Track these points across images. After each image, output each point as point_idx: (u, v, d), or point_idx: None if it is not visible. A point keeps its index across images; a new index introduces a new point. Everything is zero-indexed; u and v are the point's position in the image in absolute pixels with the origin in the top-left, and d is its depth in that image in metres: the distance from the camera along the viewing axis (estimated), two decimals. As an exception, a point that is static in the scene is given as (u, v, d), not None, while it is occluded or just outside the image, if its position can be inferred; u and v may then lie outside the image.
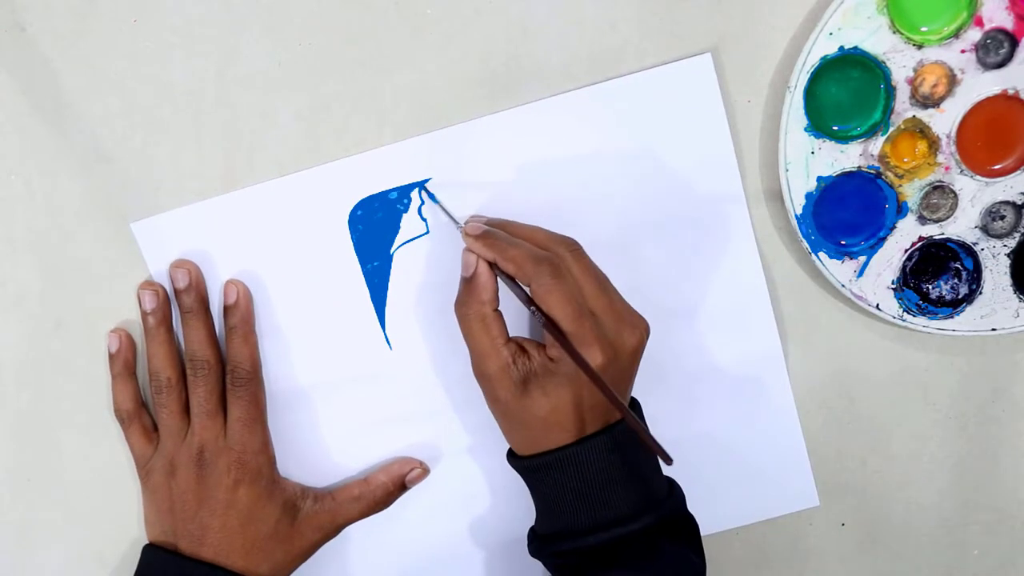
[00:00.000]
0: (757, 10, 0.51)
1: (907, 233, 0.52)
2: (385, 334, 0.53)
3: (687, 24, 0.51)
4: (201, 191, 0.51)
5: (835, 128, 0.51)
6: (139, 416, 0.51)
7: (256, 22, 0.50)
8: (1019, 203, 0.52)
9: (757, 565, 0.57)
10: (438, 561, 0.55)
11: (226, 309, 0.51)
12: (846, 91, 0.50)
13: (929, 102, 0.50)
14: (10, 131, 0.51)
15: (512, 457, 0.49)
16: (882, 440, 0.56)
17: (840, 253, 0.52)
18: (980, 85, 0.50)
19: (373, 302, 0.52)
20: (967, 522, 0.57)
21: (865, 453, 0.56)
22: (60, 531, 0.54)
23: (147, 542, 0.51)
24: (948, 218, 0.52)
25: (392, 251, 0.52)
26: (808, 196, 0.51)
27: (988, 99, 0.50)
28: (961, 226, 0.52)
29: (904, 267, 0.53)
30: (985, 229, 0.52)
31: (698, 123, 0.51)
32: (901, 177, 0.51)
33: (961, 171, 0.51)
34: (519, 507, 0.54)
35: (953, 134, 0.51)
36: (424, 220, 0.52)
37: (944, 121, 0.51)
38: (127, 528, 0.53)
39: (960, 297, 0.53)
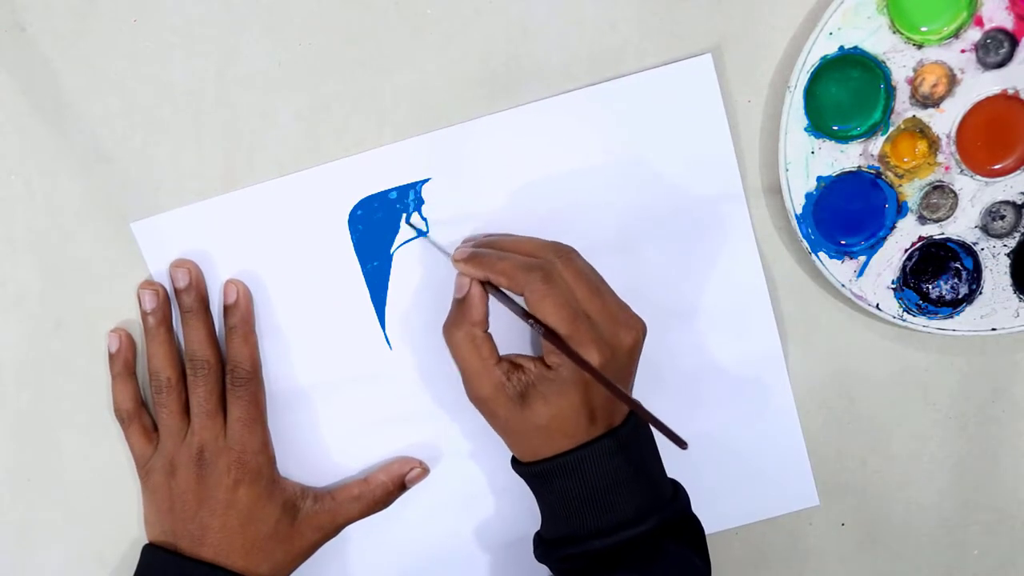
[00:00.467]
0: (757, 10, 0.51)
1: (907, 233, 0.52)
2: (385, 334, 0.53)
3: (687, 24, 0.51)
4: (201, 191, 0.51)
5: (835, 128, 0.51)
6: (139, 416, 0.51)
7: (256, 22, 0.50)
8: (1019, 203, 0.52)
9: (757, 565, 0.57)
10: (438, 561, 0.55)
11: (226, 309, 0.51)
12: (846, 91, 0.50)
13: (929, 102, 0.50)
14: (10, 131, 0.51)
15: (516, 464, 0.49)
16: (882, 440, 0.56)
17: (840, 253, 0.52)
18: (980, 85, 0.50)
19: (373, 302, 0.52)
20: (967, 522, 0.57)
21: (865, 453, 0.56)
22: (60, 531, 0.54)
23: (147, 542, 0.51)
24: (948, 218, 0.52)
25: (392, 251, 0.52)
26: (808, 196, 0.51)
27: (988, 99, 0.50)
28: (961, 226, 0.52)
29: (904, 267, 0.53)
30: (985, 229, 0.52)
31: (698, 123, 0.51)
32: (901, 177, 0.51)
33: (961, 171, 0.51)
34: (520, 507, 0.54)
35: (953, 134, 0.51)
36: (424, 220, 0.52)
37: (944, 121, 0.51)
38: (127, 528, 0.53)
39: (960, 297, 0.53)
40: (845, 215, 0.52)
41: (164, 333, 0.51)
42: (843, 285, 0.52)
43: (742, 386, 0.54)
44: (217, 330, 0.52)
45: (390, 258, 0.52)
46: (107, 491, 0.53)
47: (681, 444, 0.42)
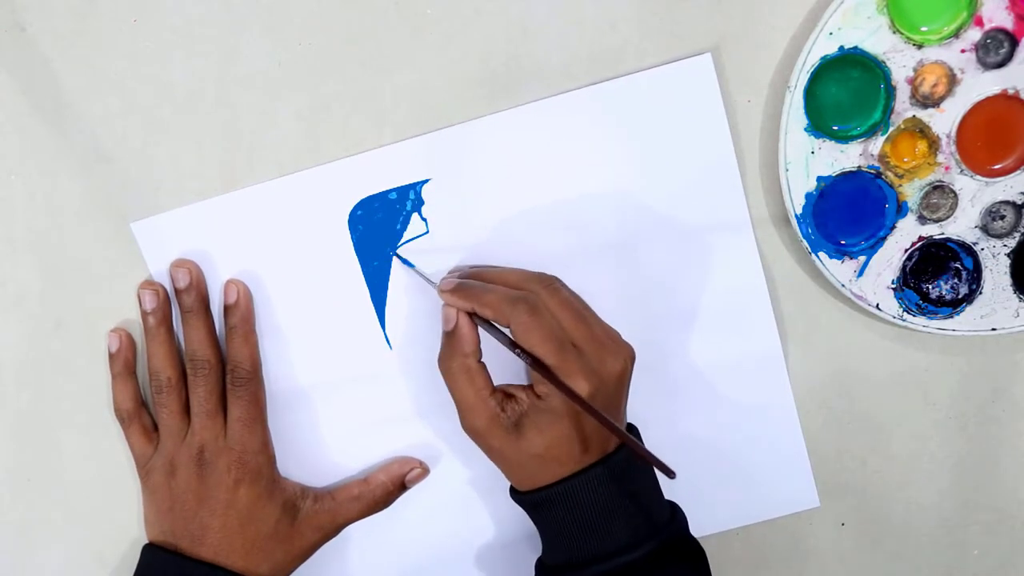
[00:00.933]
0: (757, 10, 0.51)
1: (907, 233, 0.52)
2: (385, 334, 0.53)
3: (687, 24, 0.51)
4: (201, 191, 0.51)
5: (835, 128, 0.51)
6: (139, 416, 0.51)
7: (256, 22, 0.50)
8: (1019, 203, 0.52)
9: (757, 565, 0.57)
10: (438, 561, 0.55)
11: (226, 309, 0.51)
12: (846, 91, 0.50)
13: (929, 102, 0.50)
14: (10, 131, 0.51)
15: (514, 493, 0.49)
16: (882, 440, 0.56)
17: (840, 253, 0.52)
18: (980, 85, 0.50)
19: (373, 302, 0.52)
20: (967, 522, 0.57)
21: (865, 453, 0.56)
22: (60, 531, 0.54)
23: (147, 542, 0.51)
24: (948, 218, 0.52)
25: (392, 251, 0.52)
26: (808, 196, 0.51)
27: (988, 99, 0.50)
28: (961, 226, 0.52)
29: (904, 267, 0.53)
30: (985, 229, 0.52)
31: (698, 123, 0.51)
32: (901, 177, 0.51)
33: (961, 171, 0.51)
34: (519, 508, 0.54)
35: (953, 134, 0.51)
36: (424, 220, 0.52)
37: (944, 121, 0.51)
38: (127, 528, 0.53)
39: (960, 297, 0.53)
40: (845, 215, 0.52)
41: (164, 333, 0.51)
42: (843, 285, 0.52)
43: (742, 386, 0.54)
44: (217, 330, 0.52)
45: (390, 258, 0.52)
46: (107, 491, 0.53)
47: (669, 474, 0.43)
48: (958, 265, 0.53)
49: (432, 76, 0.51)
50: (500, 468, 0.49)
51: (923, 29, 0.49)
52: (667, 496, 0.49)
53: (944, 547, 0.57)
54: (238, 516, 0.49)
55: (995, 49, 0.50)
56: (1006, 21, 0.49)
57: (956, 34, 0.49)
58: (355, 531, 0.53)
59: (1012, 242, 0.52)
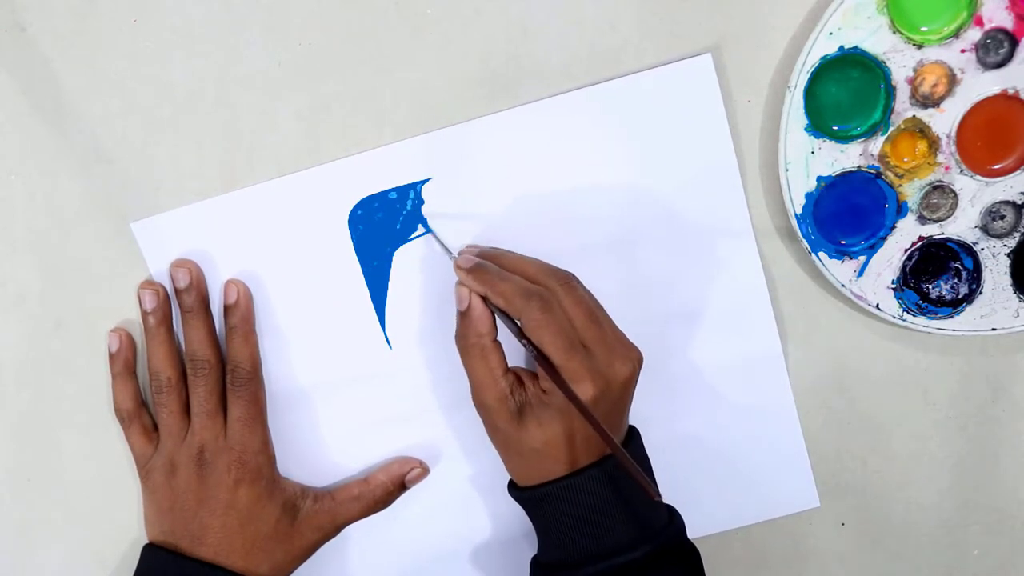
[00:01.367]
0: (757, 10, 0.51)
1: (907, 233, 0.52)
2: (385, 334, 0.53)
3: (687, 24, 0.51)
4: (201, 191, 0.51)
5: (835, 128, 0.51)
6: (139, 416, 0.51)
7: (256, 22, 0.50)
8: (1019, 203, 0.52)
9: (757, 566, 0.57)
10: (438, 561, 0.55)
11: (226, 309, 0.51)
12: (846, 91, 0.50)
13: (929, 102, 0.50)
14: (10, 131, 0.51)
15: (512, 488, 0.49)
16: (882, 440, 0.56)
17: (840, 253, 0.52)
18: (980, 85, 0.50)
19: (373, 302, 0.52)
20: (967, 522, 0.57)
21: (865, 453, 0.56)
22: (60, 531, 0.54)
23: (147, 542, 0.51)
24: (948, 218, 0.52)
25: (392, 251, 0.52)
26: (808, 196, 0.51)
27: (988, 99, 0.50)
28: (961, 226, 0.52)
29: (904, 267, 0.53)
30: (985, 229, 0.52)
31: (698, 123, 0.51)
32: (901, 177, 0.51)
33: (961, 171, 0.51)
34: (519, 507, 0.54)
35: (953, 134, 0.51)
36: (424, 220, 0.52)
37: (944, 121, 0.51)
38: (127, 528, 0.53)
39: (960, 297, 0.53)
40: (845, 215, 0.52)
41: (164, 333, 0.51)
42: (843, 285, 0.52)
43: (742, 386, 0.54)
44: (217, 330, 0.52)
45: (390, 258, 0.52)
46: (107, 491, 0.53)
47: (652, 495, 0.42)
48: (958, 265, 0.53)
49: (432, 76, 0.51)
50: (501, 455, 0.49)
51: (923, 29, 0.49)
52: (667, 496, 0.49)
53: (944, 547, 0.57)
54: (238, 516, 0.49)
55: (995, 49, 0.50)
56: (1006, 21, 0.49)
57: (956, 34, 0.49)
58: (355, 531, 0.53)
59: (1012, 242, 0.52)
